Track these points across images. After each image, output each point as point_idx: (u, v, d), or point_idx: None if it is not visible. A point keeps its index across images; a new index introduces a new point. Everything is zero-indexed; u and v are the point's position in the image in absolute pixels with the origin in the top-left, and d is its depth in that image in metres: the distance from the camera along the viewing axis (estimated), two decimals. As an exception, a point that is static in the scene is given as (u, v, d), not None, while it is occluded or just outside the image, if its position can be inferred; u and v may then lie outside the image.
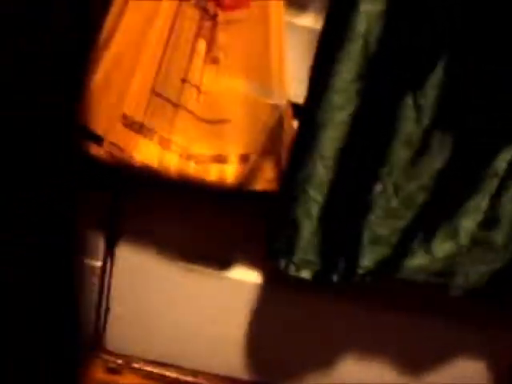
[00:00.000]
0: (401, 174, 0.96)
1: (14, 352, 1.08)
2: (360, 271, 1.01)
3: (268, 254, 1.03)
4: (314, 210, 0.97)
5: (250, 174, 1.01)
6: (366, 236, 0.99)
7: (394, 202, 0.97)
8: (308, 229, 0.98)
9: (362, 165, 0.96)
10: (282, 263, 1.01)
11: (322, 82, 0.94)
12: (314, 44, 0.99)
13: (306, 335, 1.34)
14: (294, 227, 0.99)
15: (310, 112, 0.95)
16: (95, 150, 1.02)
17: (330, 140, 0.94)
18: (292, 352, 1.36)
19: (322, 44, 0.96)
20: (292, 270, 1.01)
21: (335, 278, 1.03)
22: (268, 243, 1.03)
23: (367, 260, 1.01)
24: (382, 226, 0.98)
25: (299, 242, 0.99)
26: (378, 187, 0.97)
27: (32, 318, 1.08)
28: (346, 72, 0.92)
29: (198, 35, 0.97)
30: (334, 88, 0.92)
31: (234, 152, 1.00)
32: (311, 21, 1.04)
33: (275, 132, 0.98)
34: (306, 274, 1.02)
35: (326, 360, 1.36)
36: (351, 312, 1.29)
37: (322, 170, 0.95)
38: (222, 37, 0.97)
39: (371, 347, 1.34)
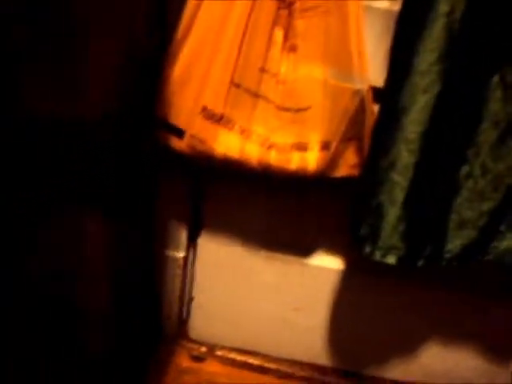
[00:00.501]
0: (488, 155, 0.94)
1: (96, 342, 1.11)
2: (447, 255, 1.00)
3: (353, 241, 1.02)
4: (399, 194, 0.95)
5: (332, 161, 1.00)
6: (453, 219, 0.97)
7: (482, 184, 0.94)
8: (393, 214, 0.97)
9: (447, 147, 0.94)
10: (367, 249, 1.00)
11: (404, 64, 0.92)
12: (391, 26, 0.97)
13: (388, 322, 1.33)
14: (378, 213, 0.98)
15: (391, 95, 0.93)
16: (176, 143, 1.03)
17: (414, 123, 0.92)
18: (374, 339, 1.35)
19: (402, 25, 0.94)
20: (377, 256, 1.00)
21: (421, 262, 1.01)
22: (352, 229, 1.02)
23: (454, 244, 0.99)
24: (468, 208, 0.96)
25: (384, 227, 0.98)
26: (465, 169, 0.94)
27: (115, 308, 1.10)
28: (429, 53, 0.89)
29: (274, 24, 0.97)
30: (416, 70, 0.90)
31: (315, 139, 0.99)
32: (387, 2, 1.01)
33: (357, 117, 0.96)
34: (391, 260, 1.00)
35: (407, 347, 1.35)
36: (433, 299, 1.28)
37: (406, 153, 0.93)
38: (299, 24, 0.96)
39: (452, 334, 1.32)
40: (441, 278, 1.21)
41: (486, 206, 0.96)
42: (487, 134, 0.92)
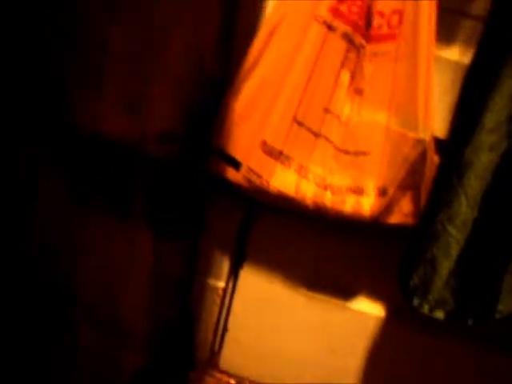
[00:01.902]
0: None
1: (128, 359, 1.12)
2: (497, 316, 0.97)
3: (401, 291, 1.00)
4: (454, 249, 0.94)
5: (387, 208, 0.99)
6: (507, 280, 0.95)
7: None
8: (446, 268, 0.95)
9: (507, 206, 0.92)
10: (416, 301, 0.99)
11: (471, 120, 0.90)
12: (457, 78, 0.97)
13: (423, 373, 1.30)
14: (431, 266, 0.96)
15: (456, 149, 0.92)
16: (232, 175, 1.03)
17: (477, 179, 0.90)
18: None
19: (472, 79, 0.93)
20: (426, 309, 0.98)
21: (470, 321, 0.98)
22: (402, 279, 1.01)
23: (506, 305, 0.96)
24: None
25: (436, 281, 0.96)
26: None
27: (152, 330, 1.12)
28: (499, 111, 0.88)
29: (342, 66, 0.97)
30: (484, 127, 0.89)
31: (372, 184, 0.98)
32: (456, 54, 1.01)
33: (416, 166, 0.95)
34: (439, 314, 0.98)
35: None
36: (471, 353, 1.25)
37: (465, 208, 0.92)
38: (367, 68, 0.96)
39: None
40: (481, 336, 1.17)
41: None
42: None
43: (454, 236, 0.93)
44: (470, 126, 0.90)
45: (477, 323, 0.99)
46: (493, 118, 0.89)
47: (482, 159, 0.90)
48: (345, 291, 1.25)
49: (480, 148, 0.89)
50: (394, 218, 1.01)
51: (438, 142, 1.01)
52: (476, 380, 1.28)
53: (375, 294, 1.24)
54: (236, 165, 1.02)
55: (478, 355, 1.24)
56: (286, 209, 1.07)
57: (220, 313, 1.36)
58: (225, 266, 1.29)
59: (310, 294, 1.27)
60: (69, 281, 1.03)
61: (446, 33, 1.00)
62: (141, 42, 0.91)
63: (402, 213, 1.01)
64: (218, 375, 1.41)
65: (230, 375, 1.42)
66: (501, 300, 0.96)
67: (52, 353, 1.07)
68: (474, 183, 0.91)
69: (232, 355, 1.40)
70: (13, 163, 0.96)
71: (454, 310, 0.98)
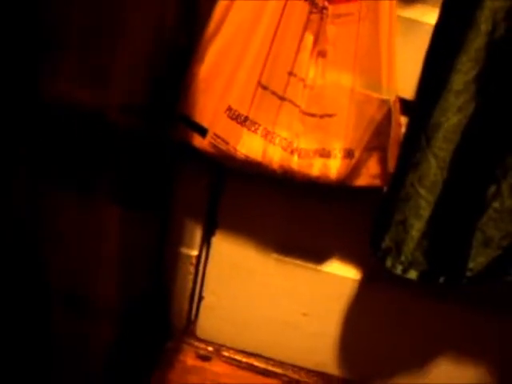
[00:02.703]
0: None
1: (102, 334, 1.11)
2: (468, 273, 0.99)
3: (375, 252, 1.01)
4: (425, 210, 0.95)
5: (354, 170, 0.99)
6: (477, 238, 0.96)
7: (508, 204, 0.93)
8: (418, 229, 0.96)
9: (476, 166, 0.93)
10: (389, 262, 1.00)
11: (438, 81, 0.91)
12: (420, 37, 0.97)
13: (399, 333, 1.32)
14: (403, 227, 0.97)
15: (424, 111, 0.92)
16: (198, 142, 1.03)
17: (446, 140, 0.91)
18: (383, 351, 1.35)
19: (438, 40, 0.93)
20: (399, 270, 1.00)
21: (442, 279, 1.00)
22: (374, 241, 1.02)
23: (476, 262, 0.98)
24: (494, 227, 0.95)
25: (408, 242, 0.98)
26: (493, 188, 0.93)
27: (123, 301, 1.10)
28: (466, 72, 0.88)
29: (305, 29, 0.96)
30: (452, 88, 0.89)
31: (338, 147, 0.98)
32: (418, 13, 1.00)
33: (382, 127, 0.96)
34: (412, 275, 1.00)
35: (417, 359, 1.34)
36: (445, 310, 1.27)
37: (435, 170, 0.92)
38: (330, 30, 0.95)
39: (465, 347, 1.31)
40: (458, 293, 1.20)
41: (510, 225, 0.95)
42: None
43: (425, 197, 0.94)
44: (437, 88, 0.90)
45: (449, 282, 1.00)
46: (460, 79, 0.89)
47: (451, 121, 0.90)
48: (317, 254, 1.26)
49: (448, 109, 0.90)
50: (362, 180, 1.02)
51: (404, 102, 1.01)
52: (454, 338, 1.31)
53: (348, 256, 1.25)
54: (202, 132, 1.02)
55: (453, 313, 1.26)
56: (255, 174, 1.06)
57: (194, 281, 1.36)
58: (197, 234, 1.29)
59: (281, 258, 1.27)
60: (37, 263, 1.01)
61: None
62: (98, 13, 0.88)
63: (370, 174, 1.01)
64: (196, 343, 1.42)
65: (207, 343, 1.42)
66: (471, 258, 0.98)
67: (27, 340, 1.06)
68: (443, 144, 0.92)
69: (208, 323, 1.41)
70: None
71: (427, 269, 1.00)
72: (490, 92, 0.89)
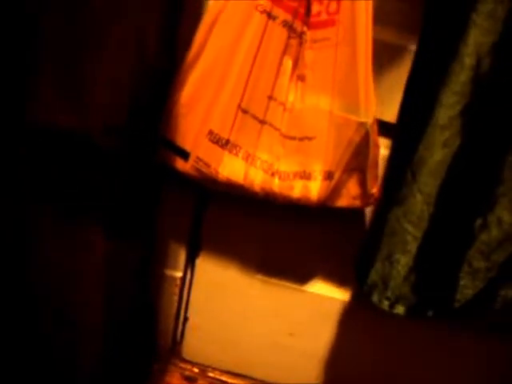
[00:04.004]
0: (505, 208, 0.92)
1: (87, 356, 1.11)
2: (456, 304, 0.99)
3: (360, 287, 1.02)
4: (412, 245, 0.96)
5: (334, 191, 1.01)
6: (464, 270, 0.97)
7: (495, 234, 0.94)
8: (404, 264, 0.97)
9: (462, 199, 0.94)
10: (375, 297, 1.00)
11: (422, 115, 0.91)
12: (405, 63, 1.00)
13: (386, 353, 1.33)
14: (389, 262, 0.98)
15: (407, 145, 0.93)
16: (181, 165, 1.04)
17: (431, 176, 0.91)
18: (370, 370, 1.35)
19: (419, 70, 0.95)
20: (385, 305, 1.00)
21: (430, 313, 1.01)
22: (360, 276, 1.02)
23: (464, 294, 0.98)
24: (481, 259, 0.96)
25: (395, 277, 0.98)
26: (479, 221, 0.94)
27: (108, 322, 1.10)
28: (451, 106, 0.88)
29: (284, 53, 0.98)
30: (436, 123, 0.89)
31: (318, 169, 1.00)
32: (393, 38, 1.02)
33: (360, 149, 0.97)
34: (399, 310, 1.00)
35: (405, 379, 1.34)
36: (434, 331, 1.26)
37: (421, 205, 0.93)
38: (308, 55, 0.97)
39: (453, 377, 1.31)
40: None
41: (497, 256, 0.96)
42: (507, 189, 0.91)
43: (411, 232, 0.95)
44: (421, 122, 0.91)
45: (437, 315, 1.01)
46: (445, 113, 0.89)
47: (436, 156, 0.90)
48: (301, 275, 1.27)
49: (433, 145, 0.90)
50: (342, 201, 1.03)
51: (384, 124, 1.03)
52: (441, 360, 1.31)
53: (332, 276, 1.26)
54: (184, 155, 1.03)
55: (440, 335, 1.27)
56: (237, 196, 1.07)
57: (179, 302, 1.36)
58: (181, 255, 1.30)
59: (265, 278, 1.28)
60: (18, 282, 1.01)
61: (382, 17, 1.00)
62: (77, 33, 0.89)
63: (350, 195, 1.03)
64: (182, 364, 1.42)
65: (193, 364, 1.43)
66: (459, 290, 0.98)
67: (15, 352, 1.06)
68: (429, 180, 0.92)
69: (194, 344, 1.41)
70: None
71: (414, 304, 1.00)
72: (476, 127, 0.89)
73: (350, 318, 1.30)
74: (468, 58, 0.86)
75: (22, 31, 0.87)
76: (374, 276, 1.00)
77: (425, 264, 0.98)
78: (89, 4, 0.87)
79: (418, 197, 0.93)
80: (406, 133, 0.96)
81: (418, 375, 1.34)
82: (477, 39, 0.85)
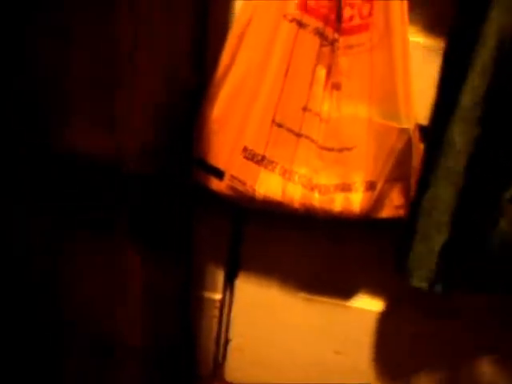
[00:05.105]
0: None
1: (129, 380, 1.09)
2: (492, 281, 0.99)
3: (400, 273, 1.00)
4: (446, 224, 0.95)
5: (377, 202, 0.97)
6: (496, 244, 0.95)
7: None
8: (440, 243, 0.96)
9: (490, 176, 0.93)
10: (415, 280, 0.99)
11: (447, 103, 0.90)
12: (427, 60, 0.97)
13: (436, 363, 1.28)
14: (425, 243, 0.97)
15: (436, 129, 0.93)
16: (215, 184, 1.01)
17: (458, 157, 0.91)
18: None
19: (447, 62, 0.93)
20: (425, 286, 0.99)
21: (467, 288, 1.00)
22: (399, 262, 1.00)
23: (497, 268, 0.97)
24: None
25: (431, 257, 0.97)
26: (508, 194, 0.92)
27: (150, 347, 1.09)
28: (474, 92, 0.87)
29: (317, 62, 0.95)
30: (461, 107, 0.88)
31: (359, 180, 0.96)
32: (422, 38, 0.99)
33: (403, 157, 0.93)
34: (438, 289, 0.99)
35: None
36: (478, 339, 1.23)
37: (448, 192, 0.93)
38: (343, 62, 0.94)
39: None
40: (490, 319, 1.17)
41: None
42: None
43: (444, 211, 0.93)
44: (448, 108, 0.90)
45: (475, 288, 1.00)
46: (469, 99, 0.88)
47: (461, 138, 0.89)
48: (343, 290, 1.23)
49: (457, 129, 0.89)
50: (386, 212, 0.99)
51: (424, 129, 0.99)
52: (482, 362, 1.26)
53: (374, 289, 1.22)
54: (219, 174, 1.00)
55: (479, 337, 1.23)
56: (275, 213, 1.03)
57: (220, 324, 1.33)
58: (219, 276, 1.27)
59: (307, 296, 1.24)
60: (59, 309, 1.00)
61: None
62: (108, 58, 0.88)
63: (393, 205, 0.99)
64: (225, 387, 1.39)
65: (236, 386, 1.39)
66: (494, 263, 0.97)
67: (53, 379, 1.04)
68: (455, 161, 0.91)
69: (236, 365, 1.38)
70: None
71: (452, 280, 0.99)
72: (499, 107, 0.88)
73: (394, 329, 1.26)
74: (490, 38, 0.85)
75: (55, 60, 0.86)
76: (412, 259, 0.98)
77: (457, 241, 0.96)
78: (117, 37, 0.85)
79: (447, 179, 0.93)
80: (434, 120, 0.95)
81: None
82: (499, 20, 0.85)
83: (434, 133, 0.94)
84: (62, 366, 1.06)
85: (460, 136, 0.90)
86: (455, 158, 0.91)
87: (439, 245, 0.96)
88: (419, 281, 0.99)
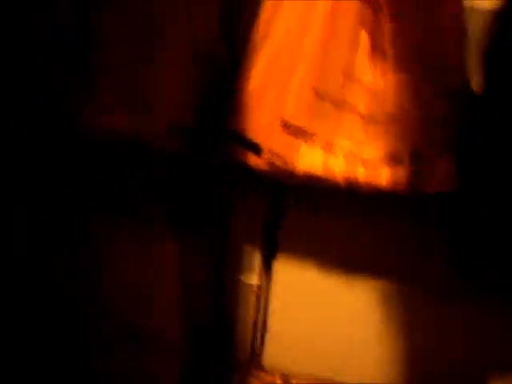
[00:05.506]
0: None
1: (169, 373, 1.08)
2: None
3: (466, 274, 0.93)
4: None
5: (426, 175, 0.91)
6: None
7: None
8: None
9: None
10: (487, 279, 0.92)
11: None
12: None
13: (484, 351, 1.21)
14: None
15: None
16: (253, 160, 0.97)
17: None
18: (463, 368, 1.23)
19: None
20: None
21: None
22: (467, 261, 0.94)
23: None
24: None
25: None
26: None
27: (186, 336, 1.07)
28: None
29: (359, 26, 0.90)
30: None
31: (406, 152, 0.91)
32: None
33: (451, 126, 0.87)
34: None
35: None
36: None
37: None
38: (386, 25, 0.88)
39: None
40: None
41: None
42: None
43: None
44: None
45: None
46: None
47: None
48: (387, 274, 1.17)
49: None
50: (435, 186, 0.93)
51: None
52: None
53: (418, 271, 1.16)
54: (257, 149, 0.96)
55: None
56: (315, 190, 1.00)
57: (257, 310, 1.29)
58: (256, 260, 1.23)
59: (350, 279, 1.19)
60: (95, 298, 0.97)
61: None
62: (139, 33, 0.85)
63: (443, 178, 0.93)
64: (262, 375, 1.35)
65: (275, 374, 1.34)
66: None
67: (83, 378, 1.02)
68: None
69: (275, 352, 1.33)
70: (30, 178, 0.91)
71: None
72: None
73: (438, 315, 1.20)
74: None
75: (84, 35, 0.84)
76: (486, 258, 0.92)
77: None
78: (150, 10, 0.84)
79: None
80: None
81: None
82: None
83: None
84: (99, 359, 1.04)
85: None
86: None
87: None
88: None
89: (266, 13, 0.91)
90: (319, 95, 0.91)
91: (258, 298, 1.27)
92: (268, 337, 1.31)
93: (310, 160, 0.93)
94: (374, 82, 0.91)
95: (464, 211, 0.93)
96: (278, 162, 0.94)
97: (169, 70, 0.88)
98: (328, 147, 0.93)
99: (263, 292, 1.26)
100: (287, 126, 0.93)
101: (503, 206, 0.89)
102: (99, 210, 0.93)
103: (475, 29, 0.91)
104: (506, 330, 1.19)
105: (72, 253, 0.96)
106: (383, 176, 0.92)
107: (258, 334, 1.32)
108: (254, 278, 1.24)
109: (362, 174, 0.92)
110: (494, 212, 0.91)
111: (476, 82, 0.92)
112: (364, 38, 0.90)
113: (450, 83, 0.87)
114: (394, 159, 0.92)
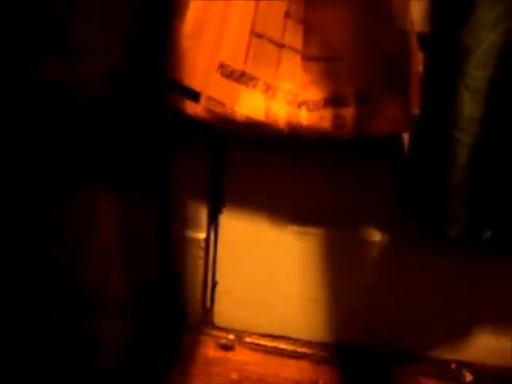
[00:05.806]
0: None
1: (113, 332, 1.04)
2: None
3: (406, 216, 0.93)
4: (461, 155, 0.82)
5: (371, 116, 0.88)
6: None
7: None
8: (454, 179, 0.86)
9: None
10: (425, 225, 0.90)
11: None
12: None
13: (433, 301, 1.22)
14: (438, 181, 0.87)
15: (447, 35, 0.82)
16: (191, 107, 0.93)
17: (479, 67, 0.80)
18: (418, 319, 1.25)
19: None
20: (437, 230, 0.89)
21: (487, 234, 0.89)
22: (405, 203, 0.91)
23: None
24: None
25: (445, 197, 0.87)
26: None
27: (131, 295, 1.04)
28: None
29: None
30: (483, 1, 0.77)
31: (351, 91, 0.88)
32: None
33: (399, 62, 0.84)
34: (453, 232, 0.88)
35: (448, 329, 1.25)
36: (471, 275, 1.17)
37: (469, 105, 0.81)
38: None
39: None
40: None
41: None
42: None
43: (461, 140, 0.83)
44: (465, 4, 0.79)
45: (498, 237, 0.90)
46: None
47: (484, 42, 0.79)
48: (338, 221, 1.16)
49: (479, 27, 0.78)
50: (381, 127, 0.91)
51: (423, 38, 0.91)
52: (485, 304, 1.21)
53: (371, 219, 1.15)
54: (194, 96, 0.91)
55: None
56: (259, 138, 0.97)
57: (206, 266, 1.27)
58: (202, 214, 1.20)
59: (298, 229, 1.17)
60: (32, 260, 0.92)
61: None
62: None
63: (389, 119, 0.90)
64: (216, 333, 1.34)
65: (227, 331, 1.34)
66: None
67: (24, 342, 0.98)
68: (476, 72, 0.81)
69: (226, 309, 1.32)
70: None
71: (470, 224, 0.90)
72: None
73: (392, 262, 1.20)
74: None
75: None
76: (421, 202, 0.90)
77: (478, 177, 0.86)
78: None
79: (465, 95, 0.81)
80: (447, 19, 0.84)
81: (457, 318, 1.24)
82: None
83: (445, 38, 0.85)
84: (41, 319, 0.98)
85: (479, 42, 0.80)
86: (473, 71, 0.81)
87: (454, 182, 0.87)
88: (431, 226, 0.92)
89: None
90: (258, 35, 0.87)
91: (206, 253, 1.24)
92: (218, 293, 1.29)
93: (250, 104, 0.90)
94: (314, 17, 0.87)
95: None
96: (217, 109, 0.90)
97: (102, 15, 0.83)
98: (269, 90, 0.90)
99: (211, 247, 1.23)
100: (225, 70, 0.89)
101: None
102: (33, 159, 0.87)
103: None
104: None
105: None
106: (327, 118, 0.89)
107: (208, 291, 1.29)
108: (201, 233, 1.21)
109: (305, 118, 0.89)
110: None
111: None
112: (303, -28, 0.85)
113: (396, 20, 0.83)
114: (337, 100, 0.89)
